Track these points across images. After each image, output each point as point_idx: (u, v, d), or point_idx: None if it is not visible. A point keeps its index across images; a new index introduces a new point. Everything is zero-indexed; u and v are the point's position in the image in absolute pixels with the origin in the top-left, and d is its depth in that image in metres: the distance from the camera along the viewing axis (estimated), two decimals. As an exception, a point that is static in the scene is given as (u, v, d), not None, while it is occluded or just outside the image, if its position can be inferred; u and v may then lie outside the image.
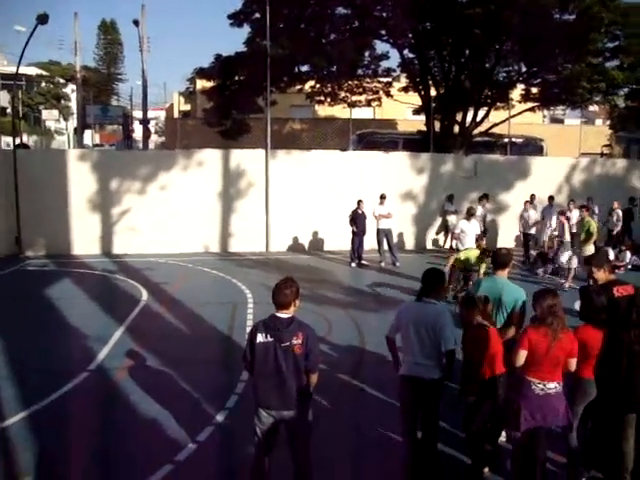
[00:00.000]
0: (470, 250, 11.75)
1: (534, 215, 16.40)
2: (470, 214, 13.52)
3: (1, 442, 6.18)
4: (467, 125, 22.85)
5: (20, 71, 21.82)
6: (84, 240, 17.61)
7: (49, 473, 5.67)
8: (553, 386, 4.99)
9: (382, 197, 16.19)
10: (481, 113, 23.41)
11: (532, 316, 5.26)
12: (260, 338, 4.73)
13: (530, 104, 24.36)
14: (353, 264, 16.05)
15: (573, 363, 5.10)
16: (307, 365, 4.75)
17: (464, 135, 22.66)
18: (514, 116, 22.68)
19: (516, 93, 24.46)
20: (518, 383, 5.09)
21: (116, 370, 8.29)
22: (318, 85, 24.79)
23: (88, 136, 39.76)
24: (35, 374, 8.10)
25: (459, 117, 22.87)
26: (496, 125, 23.17)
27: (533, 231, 16.49)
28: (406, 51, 23.62)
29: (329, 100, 25.73)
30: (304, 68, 23.58)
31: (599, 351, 5.26)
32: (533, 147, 25.36)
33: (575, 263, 13.40)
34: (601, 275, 6.12)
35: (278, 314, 4.78)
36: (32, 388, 7.54)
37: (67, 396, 7.39)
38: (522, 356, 4.98)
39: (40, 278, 14.41)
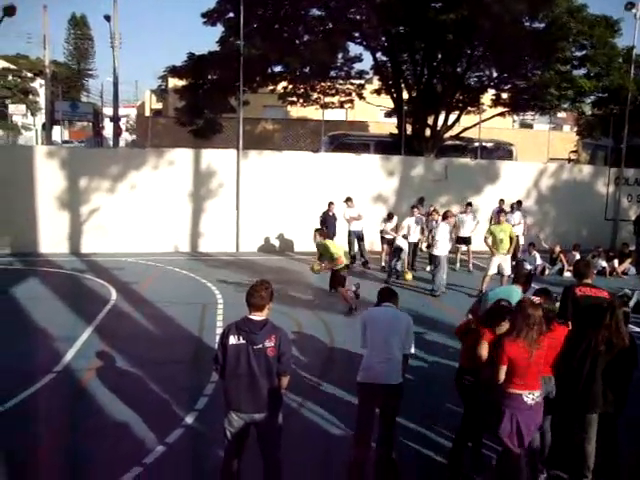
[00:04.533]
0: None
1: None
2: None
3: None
4: (438, 128, 23.04)
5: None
6: (52, 238, 17.34)
7: (16, 476, 5.60)
8: (539, 394, 5.01)
9: (348, 199, 16.28)
10: (452, 117, 23.62)
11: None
12: (232, 340, 4.74)
13: (500, 109, 24.68)
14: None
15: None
16: (279, 368, 4.77)
17: (435, 138, 22.85)
18: (485, 120, 22.93)
19: (487, 98, 24.76)
20: (505, 398, 5.00)
21: (84, 371, 8.23)
22: (291, 86, 24.75)
23: (57, 132, 39.07)
24: (1, 374, 7.96)
25: (430, 120, 23.05)
26: (467, 129, 23.40)
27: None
28: (379, 54, 23.71)
29: (302, 101, 25.70)
30: (277, 68, 23.52)
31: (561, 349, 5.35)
32: (503, 151, 25.63)
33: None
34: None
35: (251, 316, 4.80)
36: (-2, 388, 7.41)
37: (33, 397, 7.31)
38: (503, 372, 4.93)
39: (6, 277, 14.19)
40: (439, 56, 22.57)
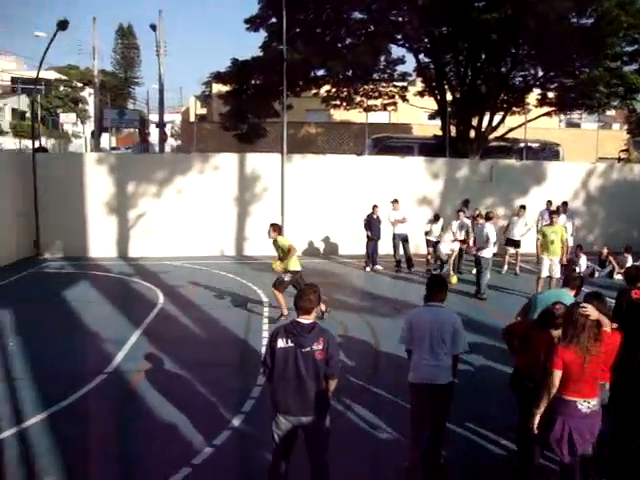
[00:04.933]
0: None
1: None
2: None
3: (21, 444, 6.24)
4: (483, 130, 22.77)
5: (39, 75, 22.06)
6: (101, 243, 17.78)
7: (70, 475, 5.70)
8: (595, 402, 4.80)
9: (394, 201, 16.17)
10: (497, 118, 23.32)
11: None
12: (281, 343, 4.74)
13: (547, 109, 24.24)
14: (368, 269, 16.06)
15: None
16: (327, 371, 4.76)
17: (480, 140, 22.58)
18: (530, 121, 22.58)
19: (532, 97, 24.36)
20: (558, 405, 4.82)
21: (133, 373, 8.35)
22: (334, 89, 24.83)
23: (105, 139, 40.01)
24: (53, 376, 8.15)
25: (475, 122, 22.79)
26: (512, 130, 23.07)
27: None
28: (422, 55, 23.61)
29: (345, 104, 25.74)
30: (320, 72, 23.62)
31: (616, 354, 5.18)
32: (549, 152, 25.17)
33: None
34: None
35: (300, 319, 4.80)
36: (50, 390, 7.59)
37: (85, 398, 7.44)
38: (557, 377, 4.74)
39: (58, 280, 14.56)
40: (483, 56, 22.30)
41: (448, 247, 14.65)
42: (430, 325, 5.40)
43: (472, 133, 22.93)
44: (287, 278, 10.89)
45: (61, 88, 54.55)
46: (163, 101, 27.87)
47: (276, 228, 11.44)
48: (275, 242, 11.24)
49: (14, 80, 33.47)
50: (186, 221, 17.67)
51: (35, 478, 5.63)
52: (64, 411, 7.05)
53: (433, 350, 5.35)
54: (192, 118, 40.76)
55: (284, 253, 11.05)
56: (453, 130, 22.34)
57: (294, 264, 11.04)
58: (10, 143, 40.27)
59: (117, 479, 5.77)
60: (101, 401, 7.44)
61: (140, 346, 9.52)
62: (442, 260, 14.65)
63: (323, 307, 10.82)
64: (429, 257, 16.09)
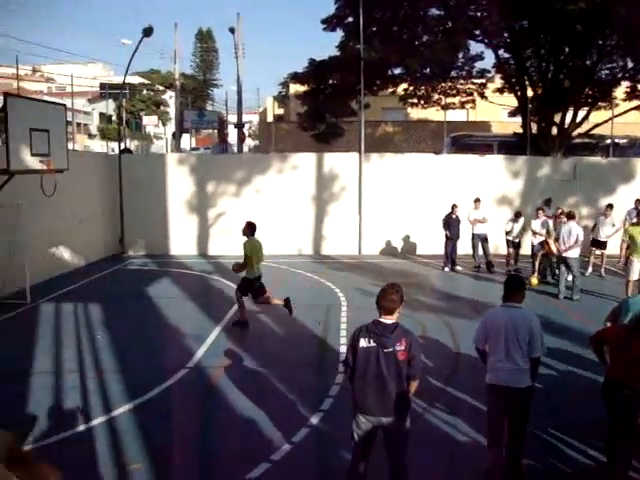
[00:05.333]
0: None
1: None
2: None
3: (109, 432, 6.49)
4: (566, 126, 21.99)
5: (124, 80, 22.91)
6: (181, 241, 18.29)
7: (154, 464, 5.86)
8: None
9: (476, 201, 15.86)
10: (581, 113, 22.47)
11: None
12: (363, 343, 4.72)
13: (636, 102, 23.11)
14: (446, 269, 15.84)
15: None
16: (409, 372, 4.72)
17: (563, 137, 21.82)
18: (618, 116, 21.61)
19: (620, 91, 23.32)
20: None
21: (213, 368, 8.52)
22: (411, 87, 24.61)
23: (186, 140, 41.14)
24: (138, 369, 8.48)
25: (557, 118, 22.04)
26: (598, 126, 22.15)
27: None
28: (501, 51, 23.05)
29: (422, 102, 25.49)
30: (397, 71, 23.50)
31: None
32: (639, 148, 24.05)
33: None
34: None
35: (382, 319, 4.76)
36: (135, 382, 7.87)
37: (168, 392, 7.66)
38: None
39: (141, 277, 15.07)
40: (566, 49, 21.52)
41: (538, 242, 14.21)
42: (505, 325, 5.26)
43: (554, 130, 22.18)
44: (245, 283, 10.63)
45: (144, 92, 56.55)
46: (242, 102, 28.33)
47: (248, 227, 10.95)
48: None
49: (102, 86, 34.91)
50: (264, 220, 17.75)
51: (122, 465, 5.82)
52: (149, 403, 7.28)
53: (509, 352, 5.21)
54: (270, 118, 41.37)
55: (245, 257, 10.61)
56: (534, 127, 21.69)
57: (250, 272, 10.69)
58: (97, 145, 42.01)
59: (197, 471, 5.88)
60: (183, 395, 7.64)
61: (220, 342, 9.73)
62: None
63: (277, 301, 10.83)
64: (509, 257, 15.70)
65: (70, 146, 14.60)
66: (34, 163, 11.18)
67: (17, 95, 12.54)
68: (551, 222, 14.78)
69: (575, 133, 22.37)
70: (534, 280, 13.76)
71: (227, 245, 17.89)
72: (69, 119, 14.17)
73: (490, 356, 5.40)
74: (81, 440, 6.32)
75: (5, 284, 12.25)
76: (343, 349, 9.03)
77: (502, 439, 5.35)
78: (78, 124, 40.03)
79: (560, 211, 15.18)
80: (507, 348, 5.22)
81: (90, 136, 48.70)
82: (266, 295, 10.78)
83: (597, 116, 22.86)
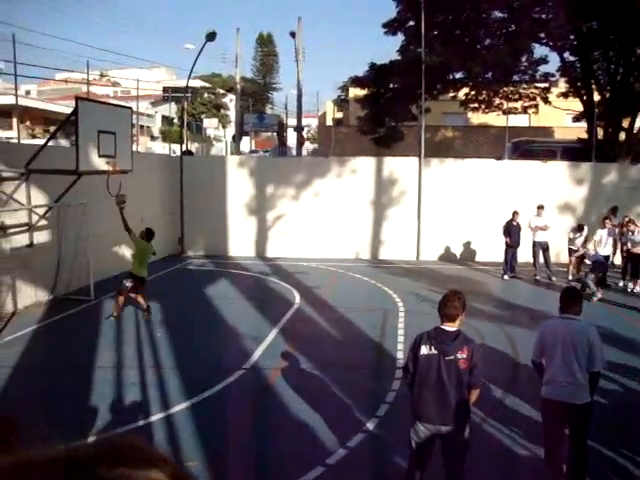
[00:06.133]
0: None
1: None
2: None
3: (167, 428, 6.63)
4: (635, 132, 21.27)
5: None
6: (240, 242, 18.51)
7: (209, 462, 5.93)
8: None
9: (540, 207, 15.51)
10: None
11: None
12: (424, 350, 4.68)
13: None
14: (506, 277, 15.55)
15: None
16: (470, 380, 4.66)
17: (631, 143, 21.07)
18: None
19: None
20: None
21: (270, 370, 8.57)
22: (472, 92, 24.27)
23: (246, 143, 41.66)
24: (196, 367, 8.60)
25: (626, 123, 21.34)
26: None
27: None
28: (566, 54, 22.45)
29: (483, 107, 25.10)
30: (458, 75, 23.21)
31: None
32: None
33: None
34: None
35: (444, 326, 4.72)
36: (193, 380, 8.00)
37: (225, 391, 7.75)
38: None
39: (200, 277, 15.32)
40: (638, 51, 20.80)
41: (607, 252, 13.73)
42: (563, 338, 5.11)
43: (622, 135, 21.49)
44: (128, 283, 10.98)
45: (205, 95, 57.54)
46: (301, 105, 28.53)
47: (145, 234, 11.45)
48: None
49: (165, 89, 35.77)
50: (322, 223, 17.99)
51: (179, 461, 5.91)
52: (205, 402, 7.37)
53: (566, 365, 5.05)
54: (329, 122, 41.48)
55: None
56: (600, 132, 21.07)
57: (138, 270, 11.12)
58: (159, 147, 42.97)
59: (253, 471, 5.91)
60: (239, 395, 7.71)
61: (277, 344, 9.78)
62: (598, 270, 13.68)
63: (141, 300, 11.07)
64: (571, 267, 15.29)
65: (134, 148, 14.96)
66: (101, 164, 11.53)
67: (87, 99, 12.95)
68: (617, 230, 14.35)
69: (644, 139, 21.60)
70: (599, 294, 13.27)
71: (285, 247, 18.07)
72: (133, 122, 14.52)
73: (547, 370, 5.25)
74: (140, 434, 6.43)
75: (71, 281, 12.66)
76: (400, 354, 8.98)
77: (561, 455, 5.20)
78: (141, 126, 41.02)
79: (627, 219, 14.69)
80: (565, 362, 5.06)
81: (152, 138, 49.85)
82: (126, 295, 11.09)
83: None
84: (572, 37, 21.59)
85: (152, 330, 10.43)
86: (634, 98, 20.68)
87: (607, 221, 14.24)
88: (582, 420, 5.10)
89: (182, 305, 12.43)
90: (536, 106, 25.17)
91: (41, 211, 12.08)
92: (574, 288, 5.80)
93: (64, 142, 21.60)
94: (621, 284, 14.16)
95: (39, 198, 12.18)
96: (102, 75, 48.54)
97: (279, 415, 7.07)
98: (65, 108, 31.59)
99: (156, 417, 6.88)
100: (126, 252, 15.31)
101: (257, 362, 8.90)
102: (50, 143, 12.52)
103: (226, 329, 10.66)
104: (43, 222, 12.22)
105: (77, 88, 32.19)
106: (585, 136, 21.69)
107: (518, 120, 28.93)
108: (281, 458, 6.10)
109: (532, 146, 23.33)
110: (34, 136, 32.91)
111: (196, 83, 53.96)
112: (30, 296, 12.05)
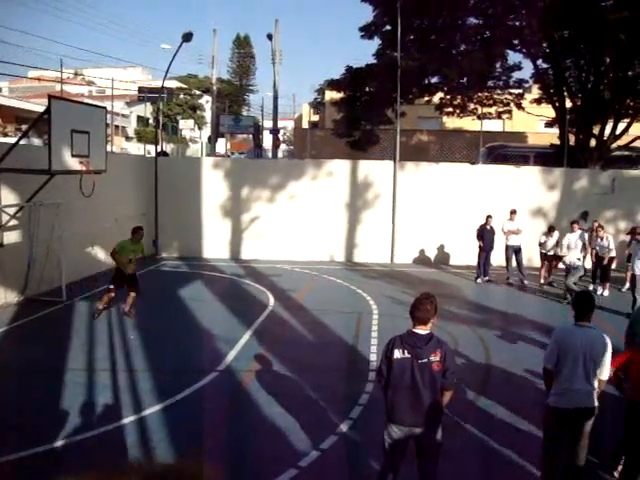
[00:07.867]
0: None
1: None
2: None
3: (140, 431, 6.58)
4: (605, 138, 21.62)
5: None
6: (215, 244, 18.42)
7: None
8: None
9: (512, 212, 15.70)
10: (622, 125, 22.06)
11: None
12: (397, 354, 4.70)
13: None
14: (479, 280, 15.68)
15: None
16: (444, 383, 4.70)
17: (601, 149, 21.42)
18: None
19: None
20: None
21: (243, 372, 8.54)
22: (447, 97, 24.48)
23: (221, 144, 41.49)
24: (169, 370, 8.55)
25: (596, 130, 21.68)
26: (639, 138, 21.74)
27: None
28: (540, 61, 22.78)
29: (458, 112, 25.32)
30: (434, 79, 23.39)
31: None
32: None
33: None
34: None
35: (416, 330, 4.74)
36: (166, 383, 7.95)
37: (197, 394, 7.70)
38: None
39: (174, 279, 15.20)
40: (607, 60, 21.18)
41: (575, 256, 13.79)
42: (583, 347, 5.09)
43: (593, 142, 21.84)
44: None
45: (181, 96, 57.24)
46: (277, 108, 28.58)
47: (135, 233, 11.62)
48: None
49: (140, 90, 35.52)
50: (298, 226, 17.98)
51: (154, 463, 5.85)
52: (178, 404, 7.33)
53: (586, 374, 5.06)
54: (305, 125, 41.51)
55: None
56: (572, 139, 21.38)
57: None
58: (134, 148, 42.63)
59: (225, 473, 5.89)
60: (213, 397, 7.65)
61: (251, 346, 9.75)
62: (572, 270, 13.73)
63: (131, 302, 11.23)
64: (542, 270, 15.47)
65: (108, 148, 14.81)
66: (74, 164, 11.40)
67: (60, 97, 12.80)
68: (587, 235, 14.56)
69: (614, 145, 21.98)
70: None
71: (260, 249, 18.03)
72: (108, 122, 14.37)
73: (561, 377, 5.19)
74: (112, 438, 6.39)
75: (43, 281, 12.49)
76: (373, 357, 9.02)
77: (560, 459, 5.23)
78: (116, 126, 40.67)
79: (597, 224, 14.93)
80: (585, 371, 5.07)
81: (127, 138, 49.46)
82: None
83: (638, 128, 22.42)
84: (545, 45, 21.91)
85: (125, 332, 10.33)
86: (604, 106, 21.06)
87: (575, 225, 14.40)
88: (592, 423, 5.13)
89: (155, 307, 12.31)
90: (510, 112, 25.46)
91: (12, 211, 11.91)
92: (589, 294, 5.74)
93: (37, 141, 21.28)
94: (591, 287, 14.36)
95: (10, 198, 12.00)
96: (76, 74, 48.03)
97: (252, 417, 7.05)
98: (38, 107, 31.16)
99: (128, 420, 6.82)
100: (99, 253, 15.17)
101: (230, 364, 8.87)
102: (22, 142, 12.36)
103: (200, 331, 10.58)
104: (14, 222, 12.03)
105: (50, 86, 31.81)
106: (557, 142, 21.99)
107: (492, 125, 29.21)
108: (254, 460, 6.08)
109: (506, 151, 23.60)
110: (5, 134, 32.43)
111: (172, 84, 53.66)
112: None
